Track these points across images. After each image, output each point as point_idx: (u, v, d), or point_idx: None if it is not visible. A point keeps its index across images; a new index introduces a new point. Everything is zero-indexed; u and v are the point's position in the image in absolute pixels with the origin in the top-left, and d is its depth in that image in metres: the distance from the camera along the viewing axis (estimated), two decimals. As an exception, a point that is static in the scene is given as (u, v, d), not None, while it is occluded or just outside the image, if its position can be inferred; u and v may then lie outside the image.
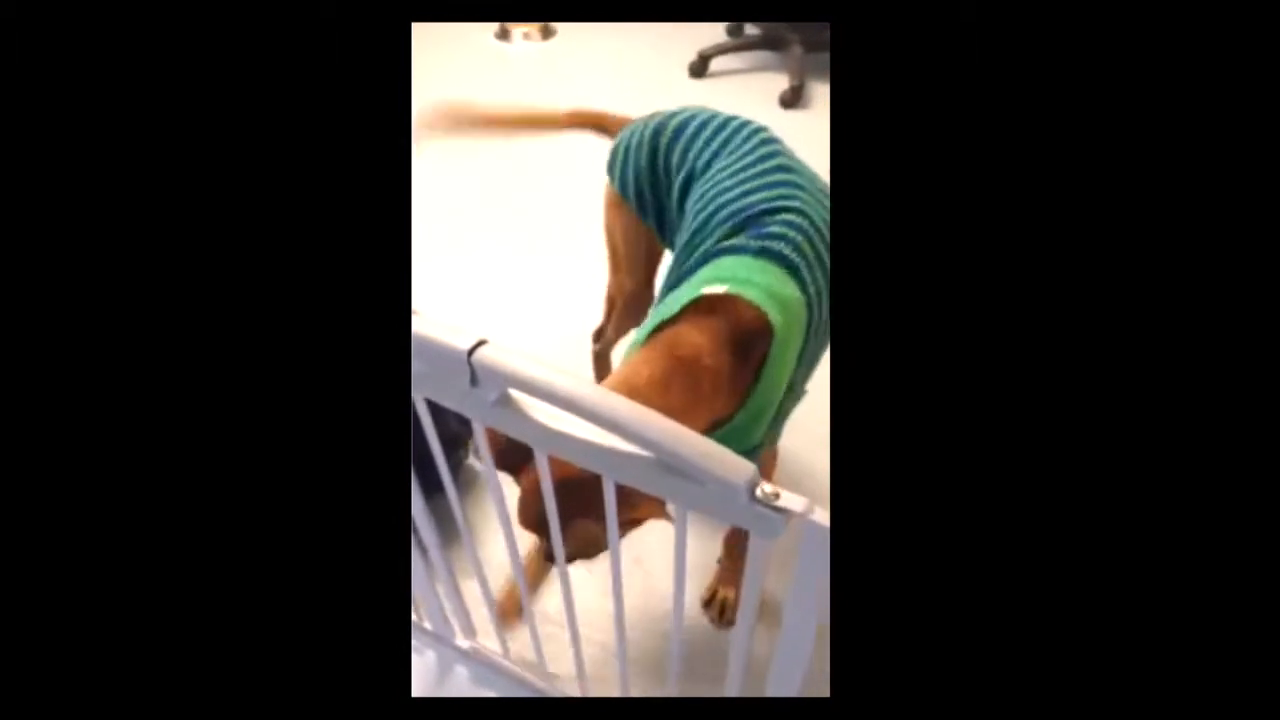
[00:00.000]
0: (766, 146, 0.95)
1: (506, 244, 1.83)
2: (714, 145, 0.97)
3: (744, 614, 0.63)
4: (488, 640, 1.03)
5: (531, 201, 1.95)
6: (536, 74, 2.49)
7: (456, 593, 0.97)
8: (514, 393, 0.61)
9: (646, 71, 2.47)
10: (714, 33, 2.59)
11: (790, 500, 0.52)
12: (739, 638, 0.66)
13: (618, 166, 1.04)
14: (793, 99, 2.24)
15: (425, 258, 1.78)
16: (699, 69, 2.41)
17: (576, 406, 0.55)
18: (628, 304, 1.16)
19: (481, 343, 0.58)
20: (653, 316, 0.84)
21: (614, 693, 0.94)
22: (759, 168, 0.92)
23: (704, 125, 0.99)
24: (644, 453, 0.56)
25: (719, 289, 0.79)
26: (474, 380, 0.59)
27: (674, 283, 0.91)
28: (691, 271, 0.88)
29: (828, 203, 0.93)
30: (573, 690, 0.97)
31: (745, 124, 0.99)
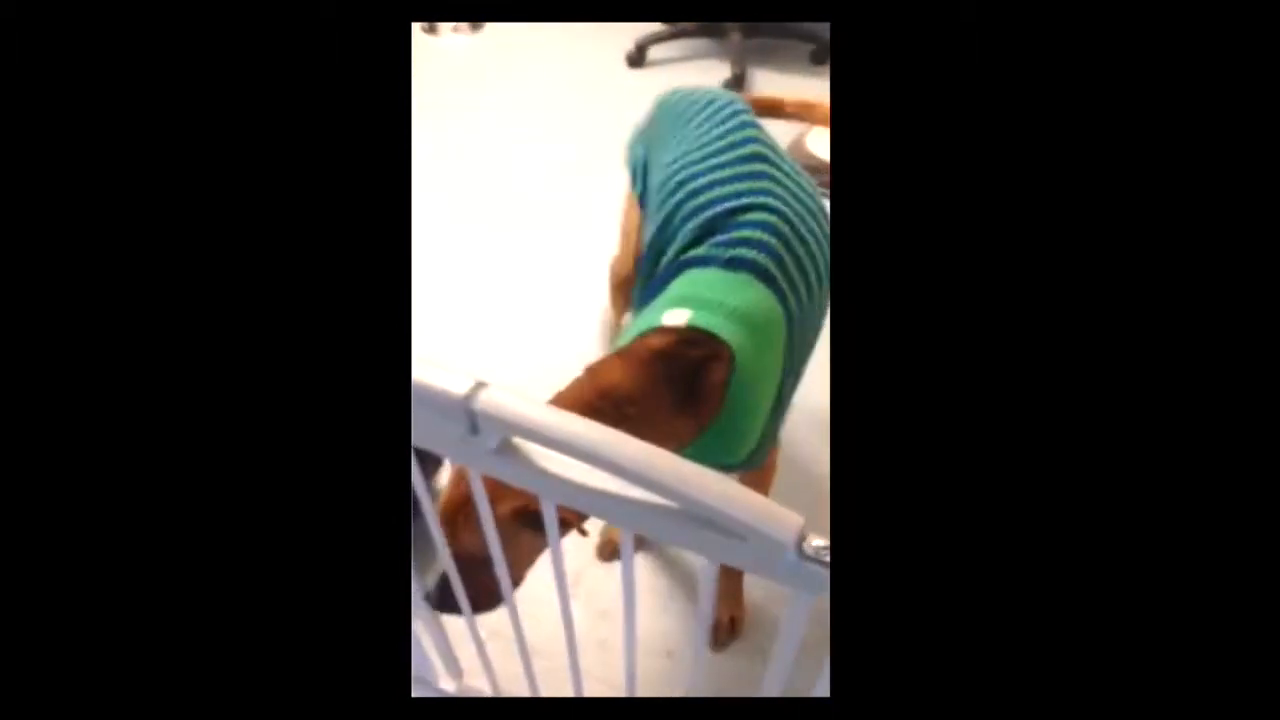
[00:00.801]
0: (743, 131, 0.91)
1: (495, 258, 1.74)
2: (692, 111, 0.95)
3: (776, 673, 0.59)
4: (475, 680, 0.96)
5: (520, 212, 1.87)
6: (467, 68, 2.39)
7: (440, 628, 0.90)
8: (517, 440, 0.55)
9: (582, 63, 2.39)
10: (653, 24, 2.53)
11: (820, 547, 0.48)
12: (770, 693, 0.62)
13: (630, 147, 1.07)
14: (735, 86, 2.20)
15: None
16: (636, 59, 2.34)
17: (593, 456, 0.50)
18: (619, 285, 1.22)
19: (481, 385, 0.52)
20: (625, 333, 0.80)
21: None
22: (730, 155, 0.88)
23: (689, 95, 0.99)
24: (671, 504, 0.51)
25: (680, 317, 0.76)
26: (474, 428, 0.53)
27: (646, 293, 0.87)
28: (663, 282, 0.83)
29: (806, 190, 0.89)
30: (568, 730, 0.92)
31: (730, 100, 0.95)
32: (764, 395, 0.79)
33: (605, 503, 0.53)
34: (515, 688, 0.93)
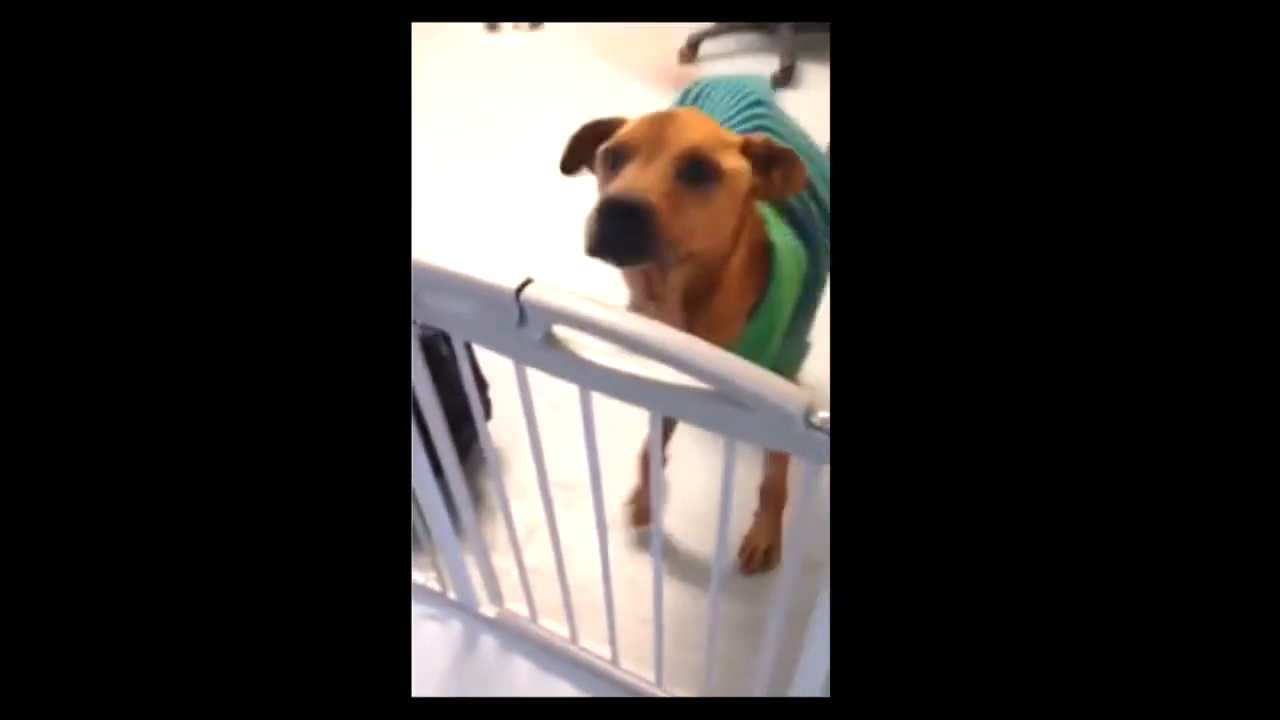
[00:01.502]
0: (753, 107, 0.96)
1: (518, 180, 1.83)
2: (710, 91, 1.01)
3: (791, 552, 0.64)
4: (514, 604, 1.03)
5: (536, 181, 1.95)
6: (526, 65, 2.49)
7: (486, 557, 0.97)
8: (559, 331, 0.61)
9: (636, 58, 2.47)
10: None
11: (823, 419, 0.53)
12: (788, 572, 0.67)
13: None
14: (784, 79, 2.25)
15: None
16: (688, 55, 2.41)
17: (629, 341, 0.56)
18: None
19: (528, 281, 0.59)
20: None
21: (646, 656, 0.94)
22: (736, 109, 0.95)
23: (715, 83, 1.02)
24: (696, 384, 0.56)
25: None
26: (522, 319, 0.60)
27: None
28: None
29: (805, 135, 0.95)
30: (604, 653, 0.98)
31: (742, 84, 1.00)
32: (784, 304, 0.83)
33: (640, 388, 0.59)
34: (552, 617, 0.99)
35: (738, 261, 0.76)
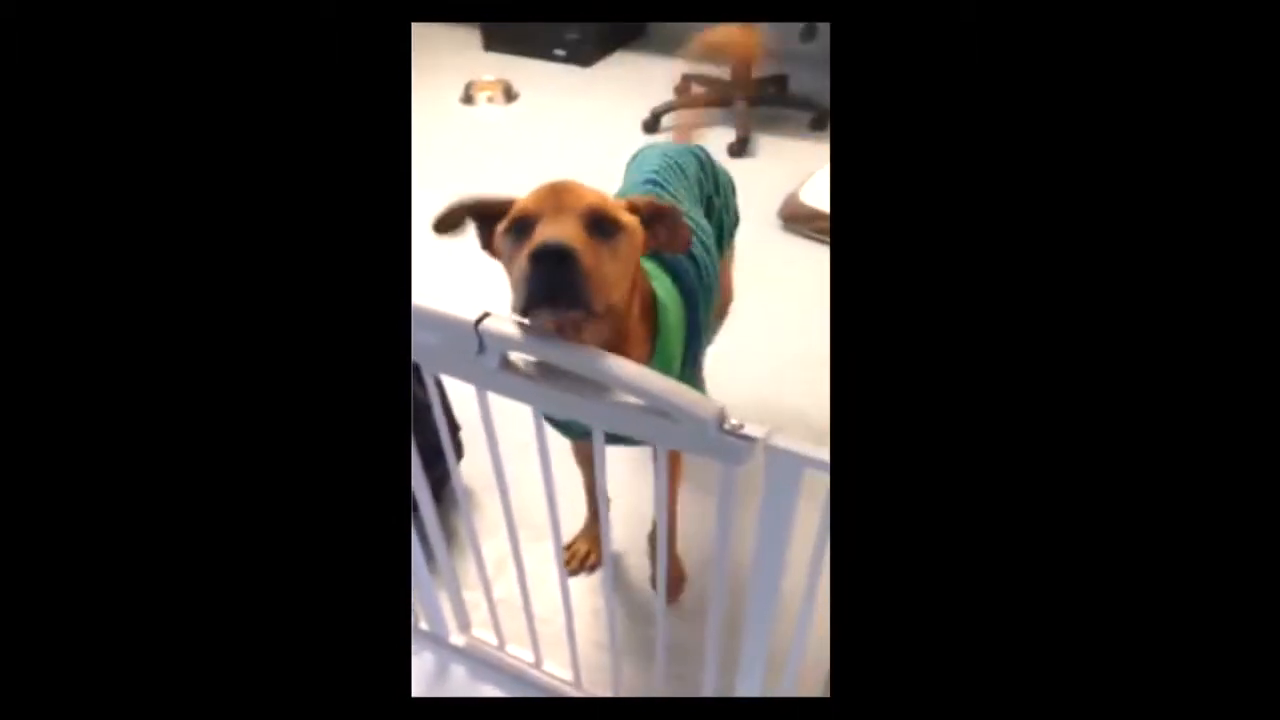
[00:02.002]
0: (665, 159, 1.08)
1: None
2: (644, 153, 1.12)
3: (721, 545, 0.72)
4: (482, 631, 1.08)
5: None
6: (501, 135, 2.64)
7: (457, 589, 1.03)
8: (514, 357, 0.70)
9: (604, 129, 2.63)
10: (664, 93, 2.78)
11: (753, 429, 0.62)
12: (718, 569, 0.74)
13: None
14: (739, 149, 2.42)
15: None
16: (652, 125, 2.58)
17: (574, 363, 0.65)
18: None
19: (486, 314, 0.68)
20: None
21: (606, 678, 1.00)
22: (642, 167, 1.06)
23: (641, 154, 1.15)
24: (630, 400, 0.65)
25: None
26: (481, 348, 0.69)
27: None
28: None
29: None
30: (567, 677, 1.03)
31: (674, 151, 1.12)
32: (673, 348, 0.90)
33: (583, 406, 0.68)
34: (518, 643, 1.05)
35: (634, 313, 0.81)
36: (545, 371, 0.69)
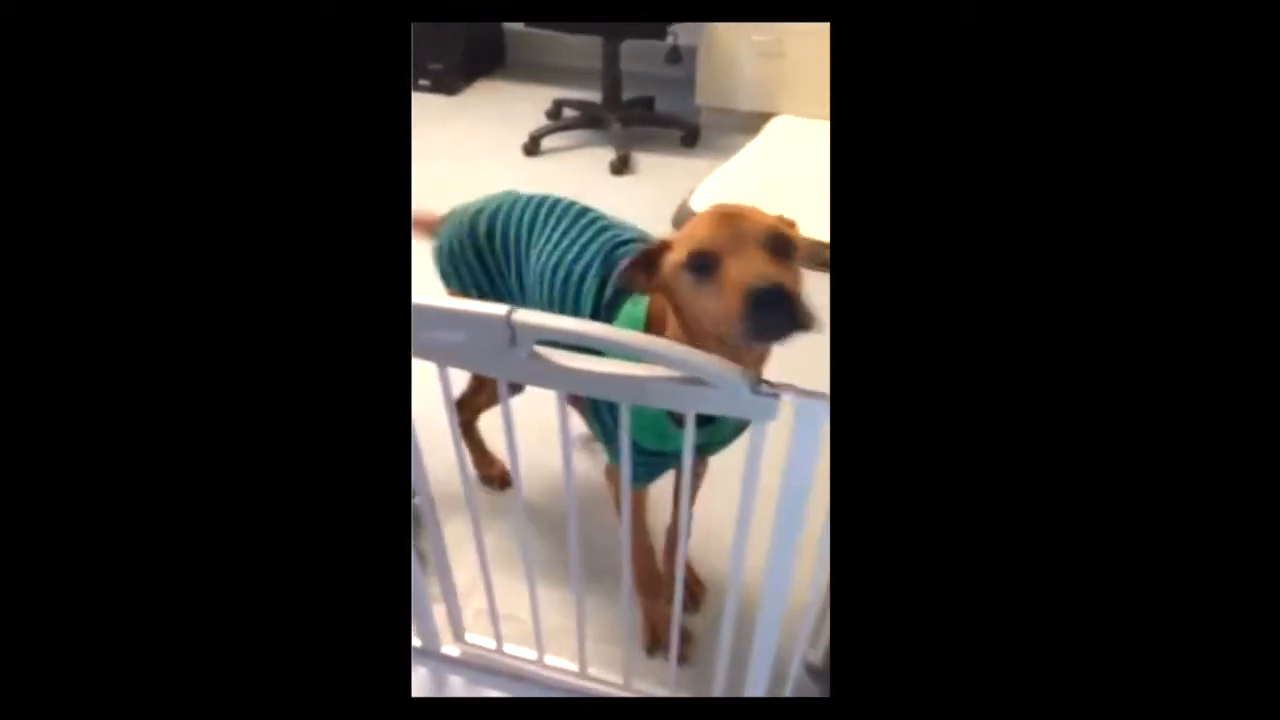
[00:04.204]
0: (584, 216, 1.06)
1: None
2: (526, 224, 1.07)
3: (745, 501, 0.79)
4: (476, 636, 1.09)
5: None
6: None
7: (453, 594, 1.04)
8: (539, 349, 0.74)
9: (485, 154, 2.66)
10: (535, 116, 2.85)
11: (780, 387, 0.70)
12: (740, 529, 0.81)
13: (452, 278, 1.12)
14: (621, 167, 2.52)
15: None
16: (532, 148, 2.64)
17: (618, 344, 0.70)
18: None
19: (512, 309, 0.72)
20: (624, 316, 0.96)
21: (612, 674, 1.04)
22: (580, 225, 1.05)
23: (510, 213, 1.08)
24: (662, 372, 0.71)
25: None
26: (513, 339, 0.72)
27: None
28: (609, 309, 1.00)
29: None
30: (570, 677, 1.06)
31: (555, 201, 1.08)
32: None
33: (613, 383, 0.73)
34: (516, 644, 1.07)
35: None
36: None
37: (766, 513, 0.77)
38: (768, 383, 0.69)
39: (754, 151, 2.47)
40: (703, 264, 0.76)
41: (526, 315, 0.72)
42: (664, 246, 0.82)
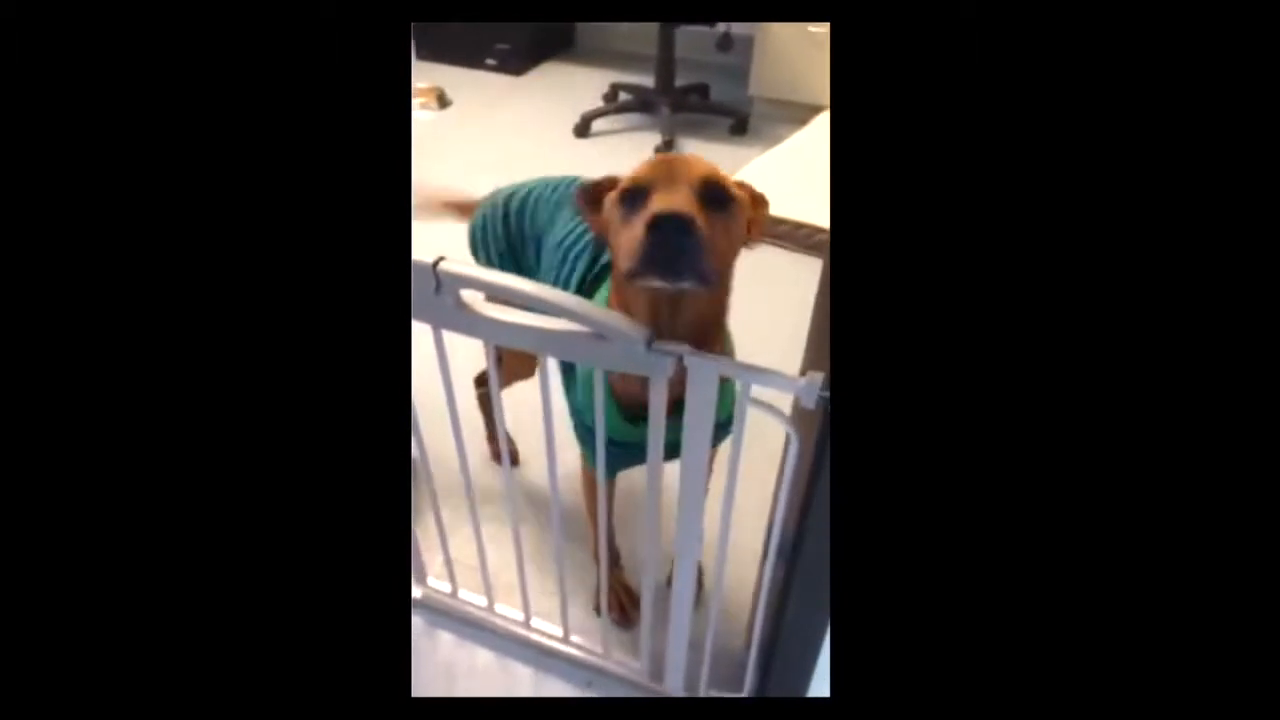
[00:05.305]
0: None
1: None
2: (554, 204, 1.12)
3: (686, 485, 0.82)
4: (436, 581, 1.16)
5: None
6: (435, 141, 2.72)
7: (415, 541, 1.10)
8: (465, 296, 0.79)
9: (537, 134, 2.74)
10: (594, 100, 2.91)
11: (676, 346, 0.73)
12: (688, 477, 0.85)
13: (480, 248, 1.17)
14: (665, 151, 2.55)
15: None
16: (582, 130, 2.70)
17: (524, 296, 0.75)
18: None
19: (441, 258, 0.77)
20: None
21: (554, 611, 1.09)
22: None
23: (541, 194, 1.13)
24: (574, 328, 0.75)
25: None
26: (437, 288, 0.78)
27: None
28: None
29: None
30: (516, 614, 1.12)
31: (574, 182, 1.13)
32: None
33: (530, 334, 0.77)
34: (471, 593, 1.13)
35: (727, 302, 0.83)
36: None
37: (753, 508, 0.79)
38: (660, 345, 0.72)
39: (797, 142, 2.46)
40: (633, 197, 0.76)
41: (451, 265, 0.77)
42: (612, 183, 0.83)
